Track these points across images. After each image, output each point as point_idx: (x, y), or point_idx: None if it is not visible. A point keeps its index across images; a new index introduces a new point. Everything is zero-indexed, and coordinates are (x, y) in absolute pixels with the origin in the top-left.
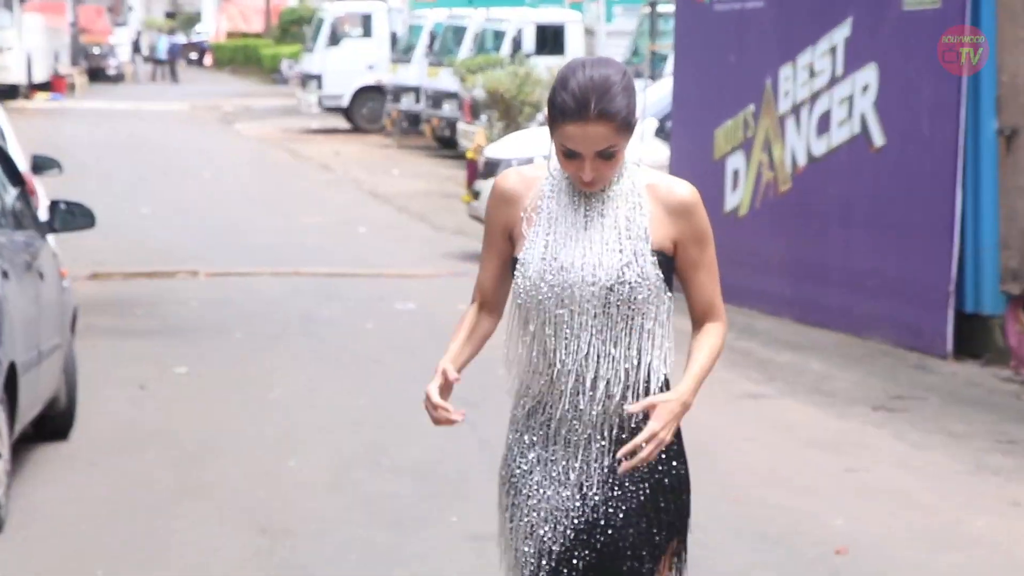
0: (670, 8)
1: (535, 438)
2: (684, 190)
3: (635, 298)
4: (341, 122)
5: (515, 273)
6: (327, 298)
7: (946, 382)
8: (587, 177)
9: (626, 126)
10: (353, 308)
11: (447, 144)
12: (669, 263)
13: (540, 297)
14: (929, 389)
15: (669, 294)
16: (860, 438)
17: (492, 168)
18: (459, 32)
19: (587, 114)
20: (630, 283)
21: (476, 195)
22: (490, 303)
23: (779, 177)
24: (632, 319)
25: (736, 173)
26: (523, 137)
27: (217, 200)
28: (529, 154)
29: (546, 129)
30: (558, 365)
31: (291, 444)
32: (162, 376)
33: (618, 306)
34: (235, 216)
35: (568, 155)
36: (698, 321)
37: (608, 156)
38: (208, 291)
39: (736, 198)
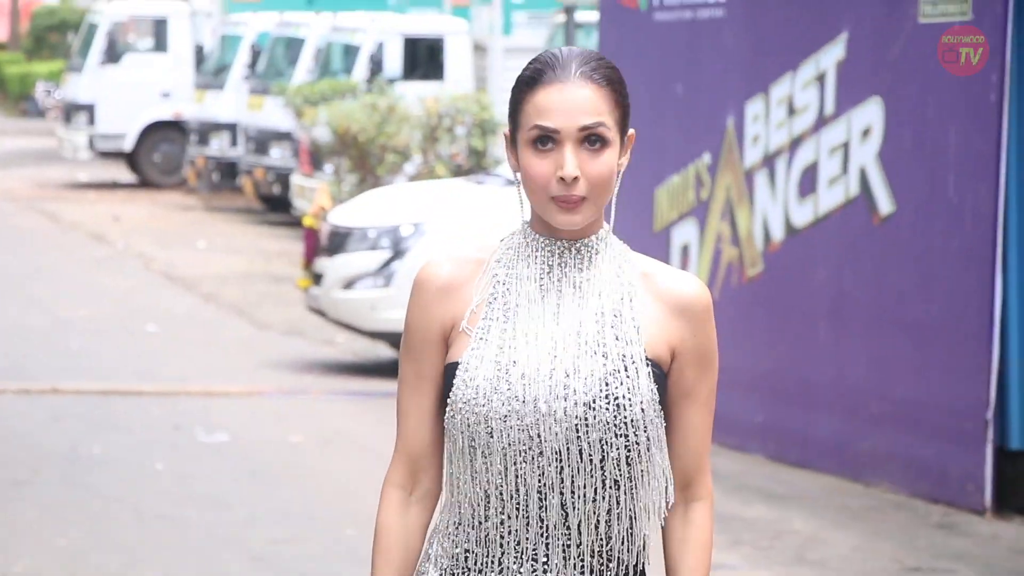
0: (593, 16)
1: None
2: (692, 287)
3: (623, 421)
4: (123, 173)
5: (454, 381)
6: (100, 427)
7: (983, 548)
8: (569, 170)
9: (620, 108)
10: (138, 441)
11: (276, 206)
12: (663, 381)
13: (489, 415)
14: (959, 558)
15: (663, 419)
16: None
17: (340, 241)
18: (294, 46)
19: (568, 73)
20: (617, 400)
21: (316, 279)
22: (425, 471)
23: (746, 256)
24: (616, 455)
25: (685, 250)
26: (385, 197)
27: None
28: (395, 221)
29: (418, 188)
30: (514, 513)
31: None
32: None
33: (599, 431)
34: None
35: (540, 143)
36: (677, 490)
37: (596, 144)
38: None
39: None
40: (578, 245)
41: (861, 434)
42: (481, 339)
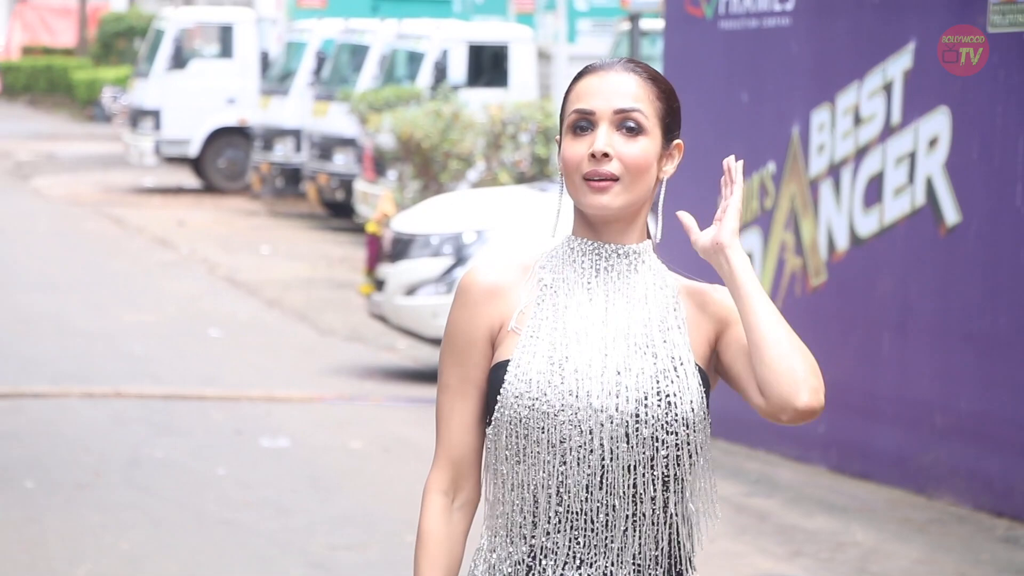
0: (658, 24)
1: None
2: (725, 297)
3: (674, 418)
4: (188, 178)
5: (506, 376)
6: (162, 431)
7: None
8: (599, 144)
9: (663, 105)
10: (199, 446)
11: (339, 212)
12: (708, 386)
13: (543, 409)
14: (1023, 572)
15: (709, 421)
16: None
17: (403, 247)
18: (359, 53)
19: (611, 65)
20: (668, 397)
21: (379, 285)
22: (466, 478)
23: (810, 266)
24: (666, 452)
25: (749, 259)
26: (448, 204)
27: (3, 288)
28: (457, 228)
29: (481, 195)
30: (564, 516)
31: None
32: None
33: (650, 428)
34: (30, 311)
35: (578, 128)
36: None
37: (632, 131)
38: None
39: None
40: (623, 251)
41: (925, 446)
42: (532, 336)
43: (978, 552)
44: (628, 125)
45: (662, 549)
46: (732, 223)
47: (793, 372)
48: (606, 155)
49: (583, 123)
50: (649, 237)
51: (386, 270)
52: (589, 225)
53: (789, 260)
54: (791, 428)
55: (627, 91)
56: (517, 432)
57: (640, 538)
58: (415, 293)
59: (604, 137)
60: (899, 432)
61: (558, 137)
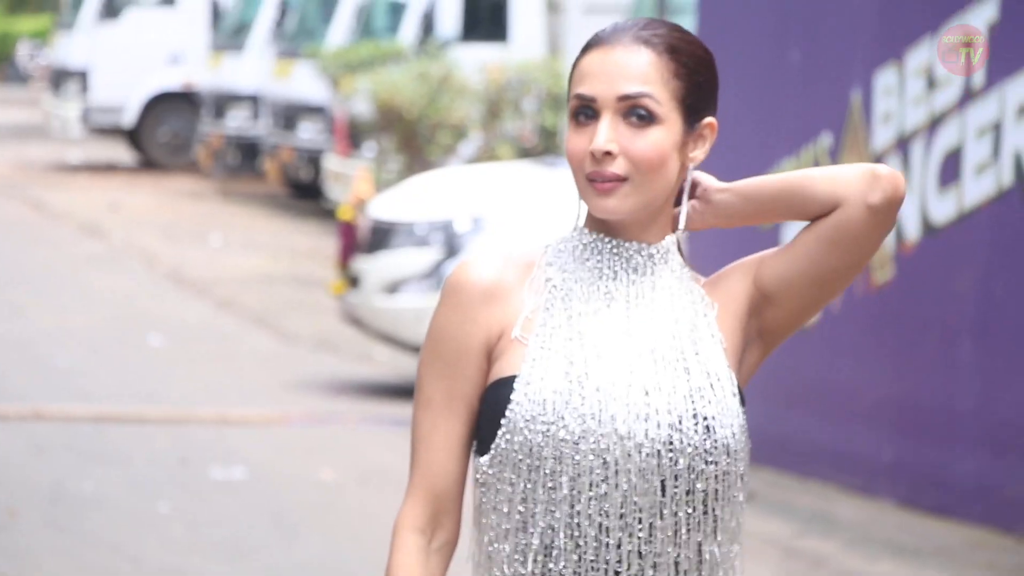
0: None
1: None
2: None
3: (713, 445)
4: (122, 153)
5: (512, 396)
6: (91, 460)
7: None
8: (597, 142)
9: (685, 84)
10: (138, 478)
11: (305, 193)
12: (744, 403)
13: (559, 435)
14: None
15: (749, 447)
16: None
17: (383, 237)
18: (329, 1)
19: (618, 37)
20: (706, 420)
21: (353, 282)
22: (447, 513)
23: (874, 260)
24: (704, 487)
25: None
26: (437, 184)
27: None
28: (448, 214)
29: (477, 173)
30: (580, 566)
31: None
32: None
33: (687, 458)
34: None
35: (580, 117)
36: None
37: (642, 120)
38: None
39: None
40: (644, 251)
41: (1014, 476)
42: (543, 348)
43: None
44: (637, 114)
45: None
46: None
47: (847, 168)
48: (608, 154)
49: (585, 111)
50: (674, 230)
51: (362, 264)
52: (603, 219)
53: None
54: (851, 454)
55: (635, 71)
56: (523, 465)
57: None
58: (397, 292)
59: (606, 132)
60: (982, 459)
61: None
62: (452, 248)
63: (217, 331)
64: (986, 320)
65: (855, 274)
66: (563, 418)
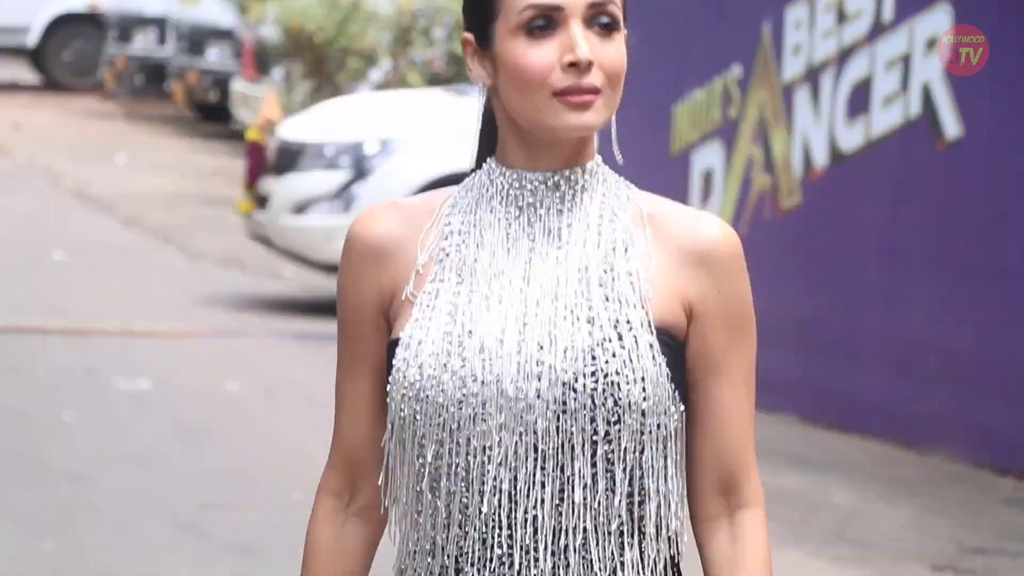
0: None
1: None
2: (714, 228)
3: (615, 405)
4: (25, 73)
5: (394, 362)
6: None
7: None
8: (583, 52)
9: None
10: (41, 388)
11: (213, 115)
12: (678, 353)
13: (440, 400)
14: None
15: (680, 407)
16: None
17: (291, 158)
18: None
19: None
20: (607, 377)
21: (261, 202)
22: (365, 478)
23: (781, 185)
24: (610, 446)
25: (708, 177)
26: (346, 108)
27: None
28: (357, 137)
29: (386, 98)
30: (478, 523)
31: None
32: None
33: (583, 420)
34: None
35: (535, 28)
36: (712, 497)
37: (607, 28)
38: None
39: None
40: (557, 179)
41: (916, 394)
42: (428, 307)
43: (977, 515)
44: (601, 22)
45: (623, 542)
46: None
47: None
48: (591, 63)
49: (540, 22)
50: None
51: (270, 184)
52: (525, 147)
53: (757, 178)
54: (758, 372)
55: None
56: (409, 433)
57: (583, 565)
58: (305, 211)
59: (583, 42)
60: (886, 377)
61: (467, 35)
62: (361, 170)
63: (123, 247)
64: (892, 245)
65: None
66: (441, 383)
